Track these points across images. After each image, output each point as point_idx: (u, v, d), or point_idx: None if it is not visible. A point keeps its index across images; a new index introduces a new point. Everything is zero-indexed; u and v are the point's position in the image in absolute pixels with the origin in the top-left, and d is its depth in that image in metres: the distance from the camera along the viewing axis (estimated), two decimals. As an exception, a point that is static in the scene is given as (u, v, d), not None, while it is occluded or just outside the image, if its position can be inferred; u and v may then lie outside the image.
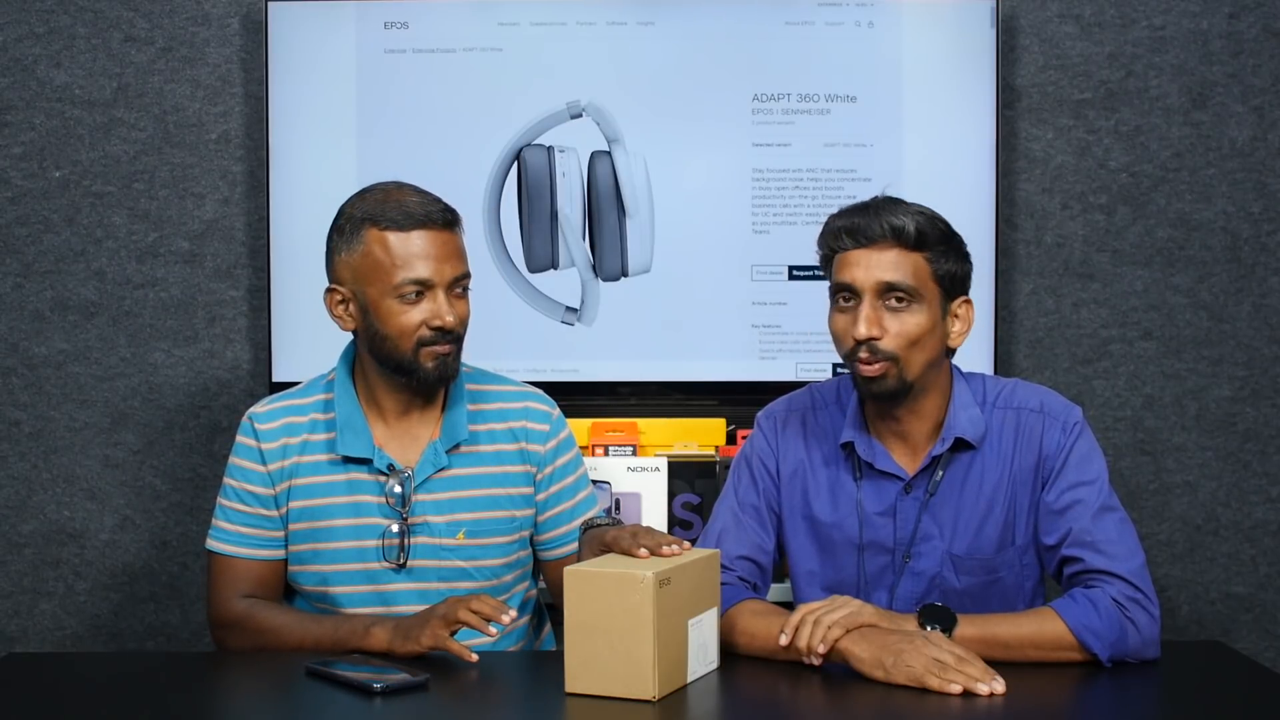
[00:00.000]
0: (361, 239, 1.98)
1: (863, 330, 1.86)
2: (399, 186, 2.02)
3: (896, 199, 1.93)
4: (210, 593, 2.07)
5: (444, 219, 1.99)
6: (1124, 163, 2.94)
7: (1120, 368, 2.96)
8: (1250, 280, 2.94)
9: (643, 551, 1.75)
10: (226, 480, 2.08)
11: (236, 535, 2.06)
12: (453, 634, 1.84)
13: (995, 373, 2.81)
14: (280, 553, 2.07)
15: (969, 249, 1.96)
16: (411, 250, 1.96)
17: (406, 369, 2.00)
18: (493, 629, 1.83)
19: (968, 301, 1.95)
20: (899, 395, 1.90)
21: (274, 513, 2.05)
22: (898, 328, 1.87)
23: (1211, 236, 2.94)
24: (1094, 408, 2.96)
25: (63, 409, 2.97)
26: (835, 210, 1.96)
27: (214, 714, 1.73)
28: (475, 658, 1.82)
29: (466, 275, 2.01)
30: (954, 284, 1.92)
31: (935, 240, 1.89)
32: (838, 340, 1.92)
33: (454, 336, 2.00)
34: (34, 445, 2.98)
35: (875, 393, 1.90)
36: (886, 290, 1.87)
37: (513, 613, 1.84)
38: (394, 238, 1.96)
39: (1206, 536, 2.97)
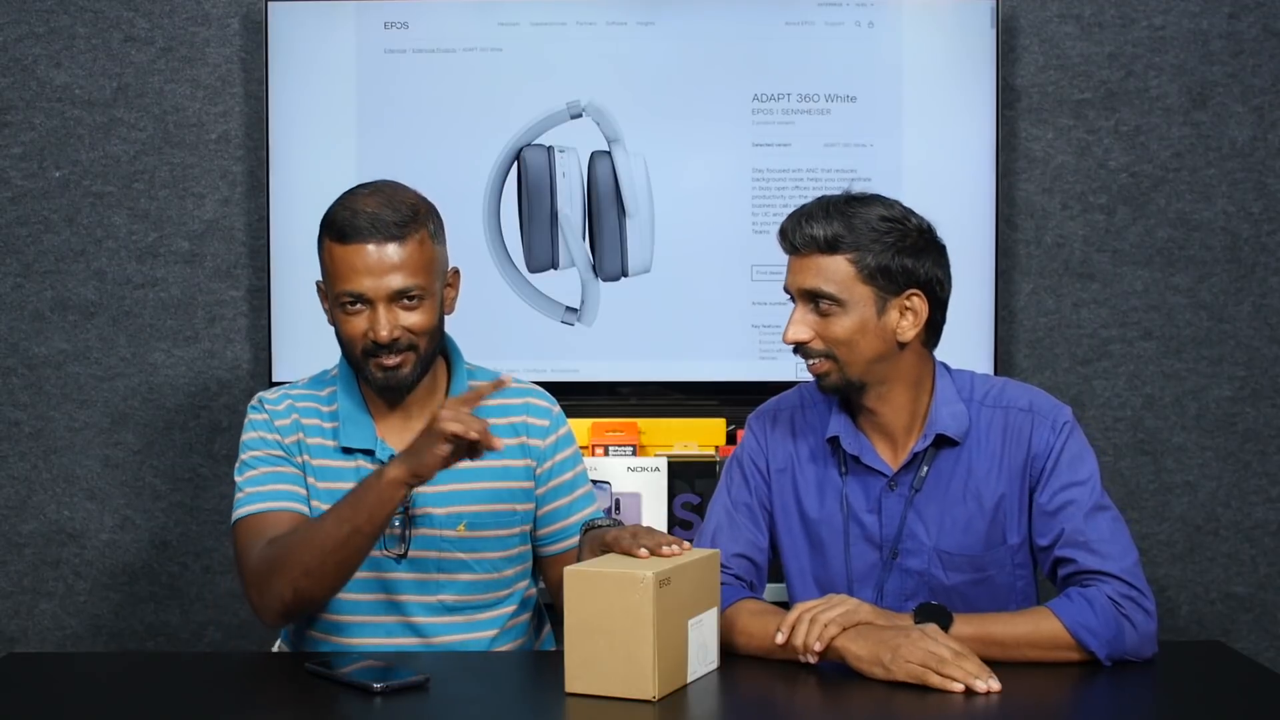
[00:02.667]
0: (322, 243, 2.00)
1: (789, 334, 1.92)
2: (372, 190, 2.00)
3: (837, 201, 1.91)
4: (240, 557, 1.98)
5: (391, 232, 1.95)
6: (1124, 163, 2.94)
7: (1120, 368, 2.96)
8: (1250, 280, 2.94)
9: (643, 551, 1.75)
10: (246, 454, 2.04)
11: (264, 493, 2.00)
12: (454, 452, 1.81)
13: (995, 373, 2.80)
14: (307, 509, 2.01)
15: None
16: (352, 263, 1.95)
17: (361, 374, 2.03)
18: (473, 433, 1.78)
19: (918, 295, 1.91)
20: (848, 390, 1.94)
21: (298, 471, 2.03)
22: (825, 330, 1.91)
23: (1211, 236, 2.94)
24: (1094, 408, 2.96)
25: (63, 409, 2.97)
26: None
27: (214, 714, 1.73)
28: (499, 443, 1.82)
29: (414, 289, 1.96)
30: (892, 279, 1.89)
31: (867, 240, 1.87)
32: None
33: (401, 347, 1.98)
34: (34, 445, 2.98)
35: (823, 388, 1.96)
36: (811, 296, 1.90)
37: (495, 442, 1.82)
38: (337, 249, 1.97)
39: (1206, 536, 2.97)
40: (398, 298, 1.97)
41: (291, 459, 2.05)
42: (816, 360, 1.92)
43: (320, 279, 2.04)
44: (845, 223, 1.89)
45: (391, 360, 1.98)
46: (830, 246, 1.88)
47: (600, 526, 2.05)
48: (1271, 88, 2.93)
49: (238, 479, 2.05)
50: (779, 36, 2.87)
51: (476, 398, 1.86)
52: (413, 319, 1.98)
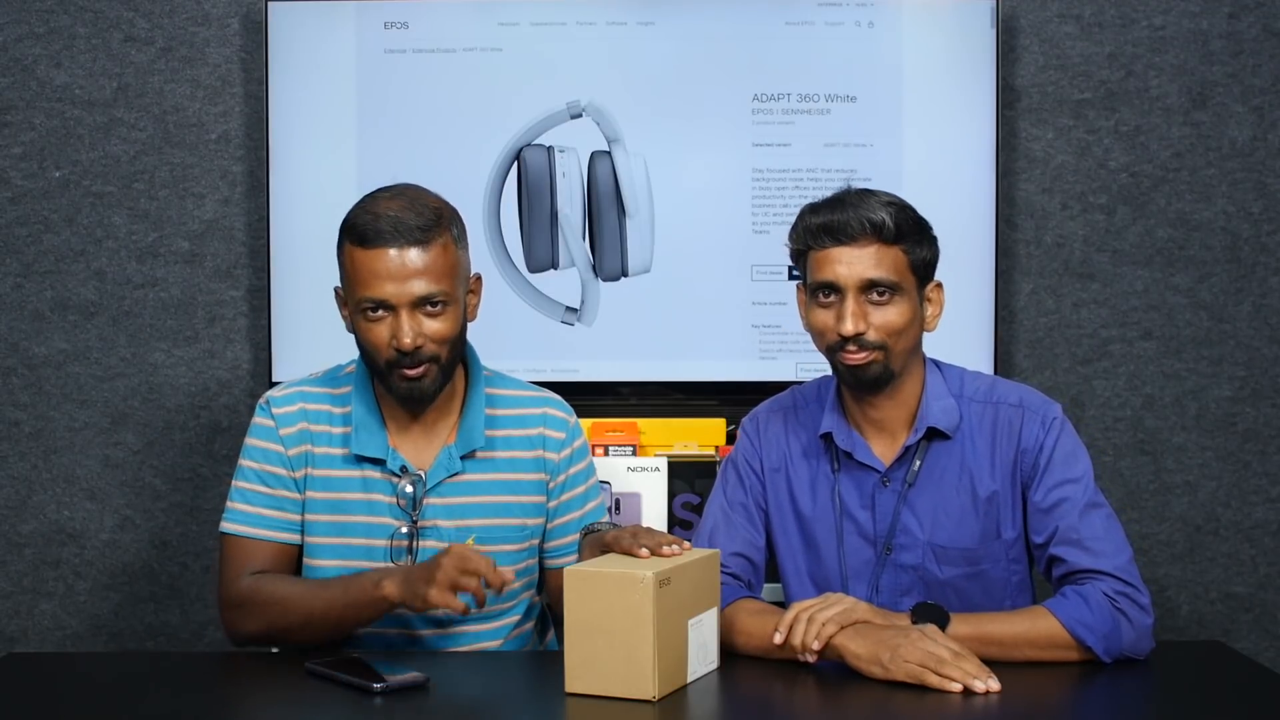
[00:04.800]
0: (343, 247, 1.96)
1: (850, 327, 1.88)
2: (394, 194, 1.97)
3: (866, 190, 1.94)
4: (221, 575, 2.02)
5: (415, 236, 1.91)
6: (1124, 163, 2.94)
7: (1120, 368, 2.96)
8: (1250, 280, 2.94)
9: (643, 551, 1.75)
10: (244, 463, 2.05)
11: (253, 516, 2.02)
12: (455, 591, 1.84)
13: (996, 373, 2.80)
14: (296, 537, 2.03)
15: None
16: (372, 268, 1.92)
17: (385, 383, 1.99)
18: (472, 604, 1.85)
19: (938, 285, 1.97)
20: (882, 382, 1.93)
21: (295, 495, 2.02)
22: (881, 320, 1.89)
23: (1211, 236, 2.94)
24: (1094, 408, 2.96)
25: (63, 409, 2.97)
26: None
27: (214, 714, 1.73)
28: (469, 609, 1.86)
29: (438, 294, 1.93)
30: (927, 270, 1.95)
31: (910, 231, 1.91)
32: (818, 335, 1.95)
33: (423, 357, 1.94)
34: (34, 445, 2.98)
35: (861, 379, 1.92)
36: (869, 286, 1.89)
37: (509, 576, 1.87)
38: (359, 254, 1.93)
39: (1206, 536, 2.97)
40: (420, 304, 1.92)
41: (290, 476, 2.03)
42: (868, 351, 1.90)
43: (339, 285, 2.01)
44: (900, 211, 1.91)
45: (414, 371, 1.94)
46: (895, 236, 1.88)
47: (599, 529, 2.04)
48: (1271, 88, 2.93)
49: (234, 483, 2.06)
50: (779, 36, 2.87)
51: (484, 570, 1.83)
52: (435, 326, 1.94)
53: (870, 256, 1.88)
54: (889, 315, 1.89)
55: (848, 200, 1.91)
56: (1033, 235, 2.95)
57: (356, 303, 1.95)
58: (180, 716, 1.70)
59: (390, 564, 1.99)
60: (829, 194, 1.96)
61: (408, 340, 1.92)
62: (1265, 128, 2.93)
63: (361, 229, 1.93)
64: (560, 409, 2.14)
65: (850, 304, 1.89)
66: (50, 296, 2.96)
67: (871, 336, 1.89)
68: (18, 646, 2.97)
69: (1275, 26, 2.92)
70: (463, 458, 2.04)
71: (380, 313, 1.93)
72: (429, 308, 1.93)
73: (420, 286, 1.92)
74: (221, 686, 1.85)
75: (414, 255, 1.92)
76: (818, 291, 1.92)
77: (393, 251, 1.91)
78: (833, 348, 1.92)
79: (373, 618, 1.92)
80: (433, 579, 1.83)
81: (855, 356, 1.90)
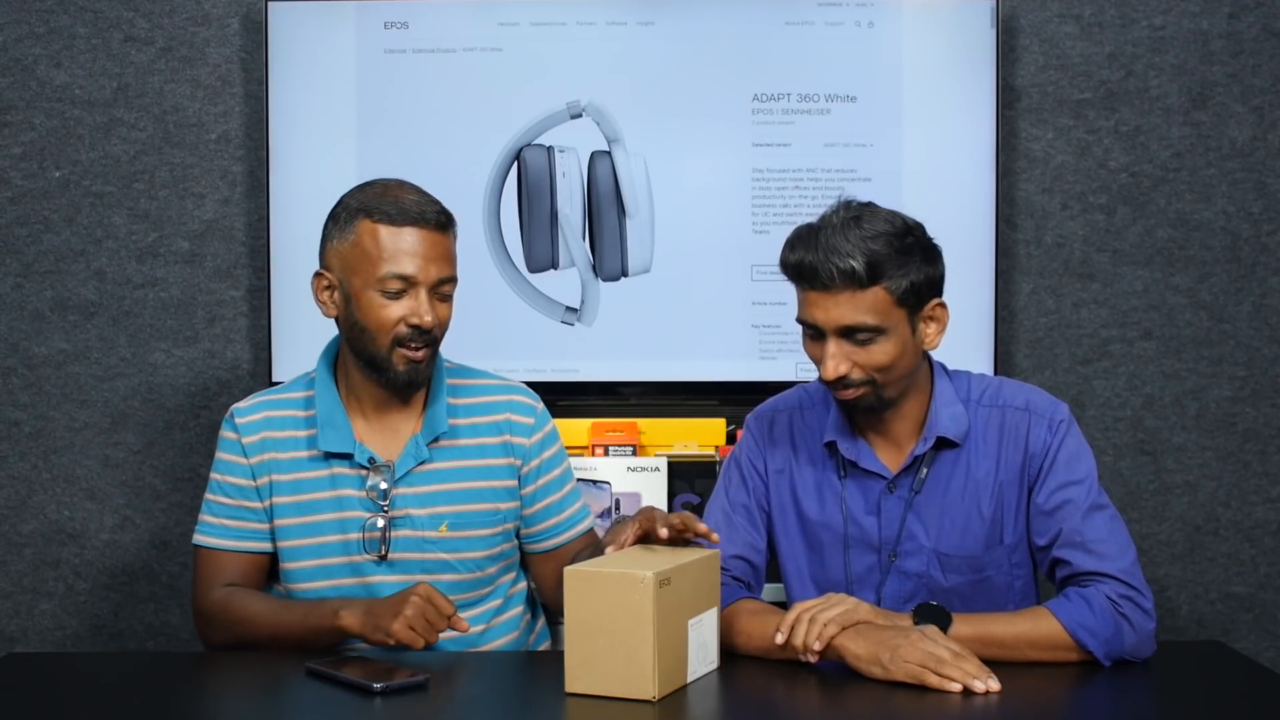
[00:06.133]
0: (354, 228, 1.99)
1: (830, 372, 1.85)
2: (400, 184, 2.03)
3: (851, 220, 1.84)
4: (194, 586, 2.08)
5: (437, 221, 1.99)
6: (1124, 163, 2.94)
7: (1120, 368, 2.96)
8: (1250, 280, 2.94)
9: (663, 532, 1.78)
10: (212, 475, 2.09)
11: (219, 528, 2.07)
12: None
13: (995, 373, 2.80)
14: (263, 545, 2.07)
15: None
16: (400, 245, 1.97)
17: (380, 366, 2.01)
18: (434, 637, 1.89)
19: (941, 304, 1.90)
20: (878, 410, 1.92)
21: (257, 504, 2.06)
22: (866, 359, 1.85)
23: (1211, 236, 2.94)
24: (1094, 408, 2.96)
25: (63, 409, 2.97)
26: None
27: (214, 714, 1.74)
28: (467, 628, 1.96)
29: (452, 279, 2.02)
30: (920, 295, 1.86)
31: (892, 266, 1.82)
32: (813, 361, 1.91)
33: (430, 339, 2.00)
34: (34, 445, 2.98)
35: (856, 408, 1.92)
36: (848, 331, 1.84)
37: (464, 627, 1.94)
38: (385, 231, 1.97)
39: (1206, 536, 2.97)
40: (437, 286, 2.00)
41: (252, 486, 2.06)
42: (854, 388, 1.87)
43: (325, 270, 2.02)
44: (873, 251, 1.81)
45: (420, 352, 2.00)
46: (870, 280, 1.81)
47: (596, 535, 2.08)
48: (1271, 88, 2.93)
49: (206, 495, 2.10)
50: (779, 36, 2.87)
51: (449, 612, 1.89)
52: (445, 311, 2.02)
53: (846, 303, 1.82)
54: (873, 355, 1.85)
55: (821, 241, 1.82)
56: (1033, 235, 2.95)
57: (378, 279, 1.97)
58: (180, 716, 1.70)
59: (350, 597, 2.02)
60: (828, 204, 1.88)
61: (429, 318, 1.98)
62: (1265, 128, 2.93)
63: (388, 209, 1.98)
64: (526, 396, 2.16)
65: (831, 347, 1.84)
66: (50, 296, 2.96)
67: (856, 375, 1.86)
68: (18, 646, 2.97)
69: (1275, 26, 2.92)
70: (429, 445, 2.06)
71: (401, 290, 1.97)
72: (441, 292, 2.01)
73: (443, 269, 2.00)
74: (221, 686, 1.85)
75: (438, 239, 2.00)
76: (803, 324, 1.89)
77: (423, 232, 1.98)
78: (822, 380, 1.90)
79: (331, 644, 1.95)
80: (399, 614, 1.86)
81: (844, 394, 1.88)
